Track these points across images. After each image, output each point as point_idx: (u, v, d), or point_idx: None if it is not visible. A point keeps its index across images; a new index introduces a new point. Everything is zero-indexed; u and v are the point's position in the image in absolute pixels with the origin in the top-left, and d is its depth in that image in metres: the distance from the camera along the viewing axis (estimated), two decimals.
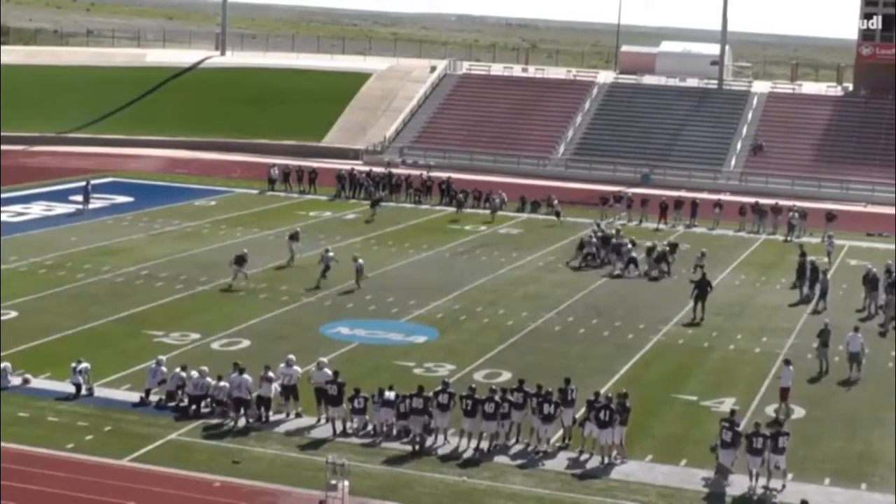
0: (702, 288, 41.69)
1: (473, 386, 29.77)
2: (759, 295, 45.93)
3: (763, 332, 40.41)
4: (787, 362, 32.71)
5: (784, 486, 26.38)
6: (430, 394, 28.72)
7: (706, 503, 25.92)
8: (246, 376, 29.24)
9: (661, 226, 60.47)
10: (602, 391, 30.64)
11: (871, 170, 76.22)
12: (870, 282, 44.26)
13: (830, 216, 58.89)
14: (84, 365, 30.81)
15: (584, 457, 27.85)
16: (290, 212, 60.14)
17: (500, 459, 27.62)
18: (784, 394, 32.00)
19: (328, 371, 29.65)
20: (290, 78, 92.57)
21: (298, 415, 29.65)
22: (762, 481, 26.45)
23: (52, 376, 31.90)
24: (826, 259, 49.74)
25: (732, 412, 28.17)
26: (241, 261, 43.60)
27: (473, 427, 28.11)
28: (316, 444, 28.03)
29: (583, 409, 28.60)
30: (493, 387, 29.52)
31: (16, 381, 31.27)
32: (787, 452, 26.59)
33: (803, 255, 47.75)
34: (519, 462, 27.54)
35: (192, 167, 74.28)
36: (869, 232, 60.91)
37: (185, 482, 25.57)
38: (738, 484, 26.58)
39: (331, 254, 45.12)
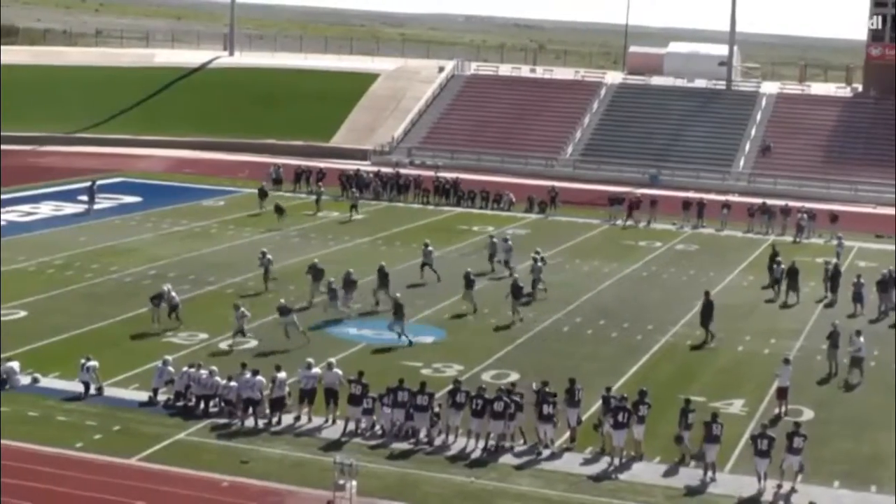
0: (706, 309, 39.09)
1: (483, 386, 29.77)
2: (768, 296, 45.77)
3: (771, 333, 40.31)
4: (786, 361, 32.43)
5: (793, 489, 26.28)
6: (444, 392, 28.71)
7: None
8: (259, 377, 29.27)
9: (630, 223, 60.88)
10: (615, 389, 30.57)
11: (881, 171, 75.91)
12: (881, 284, 44.19)
13: (833, 217, 58.84)
14: (92, 363, 30.85)
15: (602, 457, 27.81)
16: (298, 212, 60.11)
17: (508, 460, 27.60)
18: (782, 393, 31.81)
19: (338, 371, 29.66)
20: (298, 78, 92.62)
21: (308, 417, 29.63)
22: (773, 482, 26.37)
23: (60, 376, 31.96)
24: (836, 260, 49.58)
25: (713, 416, 27.91)
26: (319, 275, 41.45)
27: (481, 427, 28.11)
28: (324, 445, 28.03)
29: (592, 410, 28.52)
30: (501, 386, 29.54)
31: (25, 380, 31.35)
32: (804, 453, 26.44)
33: (775, 255, 47.70)
34: (526, 462, 27.52)
35: (201, 167, 74.36)
36: (878, 234, 60.75)
37: (194, 482, 25.60)
38: (746, 486, 26.52)
39: (269, 256, 43.67)
